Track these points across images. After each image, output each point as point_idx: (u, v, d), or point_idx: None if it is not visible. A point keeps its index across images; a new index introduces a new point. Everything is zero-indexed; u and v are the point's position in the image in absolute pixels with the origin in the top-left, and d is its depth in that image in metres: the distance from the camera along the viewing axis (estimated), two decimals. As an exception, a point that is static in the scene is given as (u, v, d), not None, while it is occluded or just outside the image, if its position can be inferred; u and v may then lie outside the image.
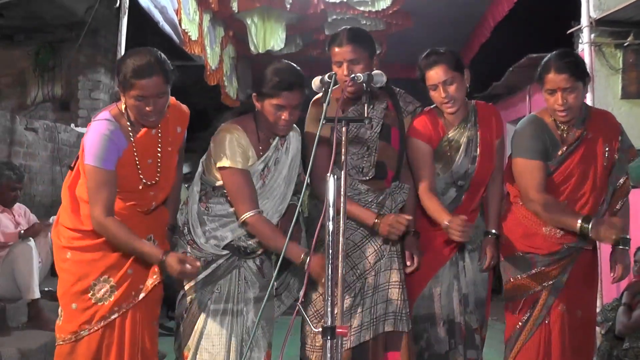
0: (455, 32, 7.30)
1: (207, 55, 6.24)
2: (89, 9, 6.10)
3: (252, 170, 2.94)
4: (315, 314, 3.14)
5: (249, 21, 6.59)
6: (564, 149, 3.08)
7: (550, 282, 3.09)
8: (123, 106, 2.79)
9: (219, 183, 2.97)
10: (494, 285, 3.40)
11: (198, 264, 2.70)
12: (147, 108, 2.71)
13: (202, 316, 2.97)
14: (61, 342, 2.87)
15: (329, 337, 2.21)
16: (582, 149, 3.07)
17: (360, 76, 2.52)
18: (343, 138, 2.42)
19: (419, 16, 6.59)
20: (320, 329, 2.26)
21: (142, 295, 2.89)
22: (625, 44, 5.84)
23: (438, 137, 3.18)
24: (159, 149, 2.87)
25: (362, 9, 6.37)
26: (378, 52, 7.71)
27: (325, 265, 2.28)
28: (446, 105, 3.14)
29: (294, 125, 3.07)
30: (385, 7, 6.28)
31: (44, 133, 6.08)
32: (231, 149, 2.89)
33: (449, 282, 3.21)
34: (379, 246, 3.13)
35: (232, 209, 2.96)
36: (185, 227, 3.04)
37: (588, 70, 4.77)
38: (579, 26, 5.58)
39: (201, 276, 2.95)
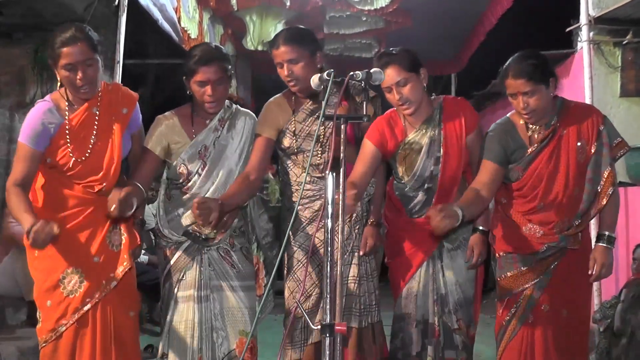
0: (455, 31, 7.30)
1: (206, 54, 6.23)
2: (87, 7, 6.09)
3: (187, 151, 3.10)
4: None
5: (247, 19, 6.59)
6: (532, 148, 3.06)
7: (533, 282, 3.09)
8: (63, 88, 2.96)
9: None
10: (489, 283, 3.40)
11: (54, 228, 2.67)
12: (78, 77, 2.85)
13: (171, 304, 3.13)
14: (43, 344, 2.94)
15: (327, 334, 2.22)
16: (550, 147, 3.05)
17: (359, 74, 2.53)
18: (342, 136, 2.42)
19: (418, 14, 6.58)
20: (319, 326, 2.26)
21: (114, 284, 2.96)
22: (624, 42, 5.84)
23: (395, 141, 3.19)
24: (95, 126, 2.97)
25: (361, 7, 6.36)
26: (376, 50, 7.70)
27: (325, 263, 2.29)
28: (402, 107, 3.12)
29: (248, 111, 3.28)
30: (384, 5, 6.27)
31: (43, 131, 6.06)
32: (149, 133, 3.15)
33: (425, 282, 3.22)
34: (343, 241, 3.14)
35: (186, 196, 3.13)
36: (156, 218, 3.22)
37: (587, 68, 4.79)
38: (577, 24, 5.58)
39: (168, 265, 3.14)
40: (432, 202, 3.20)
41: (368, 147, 3.18)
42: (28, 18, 6.39)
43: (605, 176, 3.05)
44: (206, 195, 3.07)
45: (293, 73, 3.14)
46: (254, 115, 3.30)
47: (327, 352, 2.22)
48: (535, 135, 3.07)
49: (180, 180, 3.16)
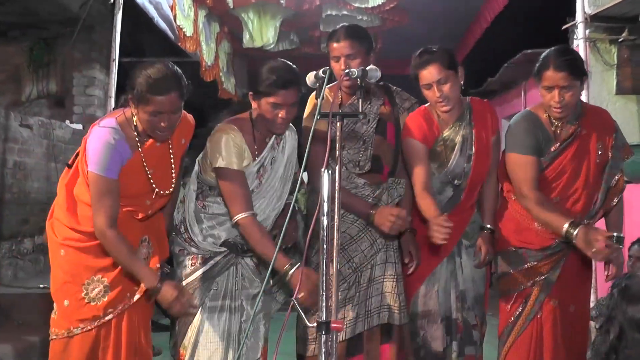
0: (451, 28, 7.30)
1: (202, 52, 6.22)
2: (83, 5, 6.09)
3: (248, 170, 2.95)
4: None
5: (244, 17, 6.58)
6: (557, 145, 3.08)
7: (543, 277, 3.10)
8: (133, 117, 2.76)
9: (215, 182, 2.99)
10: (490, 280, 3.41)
11: (195, 302, 2.75)
12: (162, 124, 2.68)
13: (199, 313, 2.96)
14: (54, 337, 2.86)
15: (323, 332, 2.21)
16: (575, 145, 3.07)
17: (355, 71, 2.54)
18: (338, 133, 2.42)
19: (414, 12, 6.58)
20: (314, 324, 2.26)
21: (137, 297, 2.85)
22: (620, 40, 5.85)
23: (433, 137, 3.18)
24: (171, 159, 2.88)
25: (357, 5, 6.36)
26: (375, 48, 7.70)
27: (320, 268, 2.28)
28: (440, 104, 3.12)
29: (291, 125, 3.10)
30: (381, 3, 6.28)
31: (39, 129, 6.06)
32: (227, 150, 2.90)
33: (446, 279, 3.21)
34: (375, 239, 3.17)
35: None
36: (182, 225, 3.07)
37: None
38: (573, 22, 5.58)
39: (198, 273, 2.98)
40: (461, 199, 3.21)
41: (418, 146, 3.17)
42: (24, 16, 6.39)
43: (617, 179, 3.14)
44: (255, 209, 2.94)
45: (349, 68, 2.95)
46: (293, 127, 3.15)
47: (324, 350, 2.22)
48: (559, 131, 3.09)
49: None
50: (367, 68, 2.56)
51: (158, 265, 2.90)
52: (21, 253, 5.80)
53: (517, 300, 3.15)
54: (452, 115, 3.20)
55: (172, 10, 5.35)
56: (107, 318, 2.82)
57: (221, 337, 2.98)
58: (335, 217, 2.30)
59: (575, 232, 2.86)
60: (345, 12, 6.58)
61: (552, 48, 3.10)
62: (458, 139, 3.18)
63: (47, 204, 6.11)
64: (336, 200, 2.34)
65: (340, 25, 3.25)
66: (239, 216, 2.86)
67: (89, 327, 2.81)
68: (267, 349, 3.14)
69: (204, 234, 3.01)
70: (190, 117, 2.99)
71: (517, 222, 3.17)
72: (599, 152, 3.09)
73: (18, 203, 5.75)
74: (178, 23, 5.44)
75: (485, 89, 8.84)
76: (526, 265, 3.13)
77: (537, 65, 3.06)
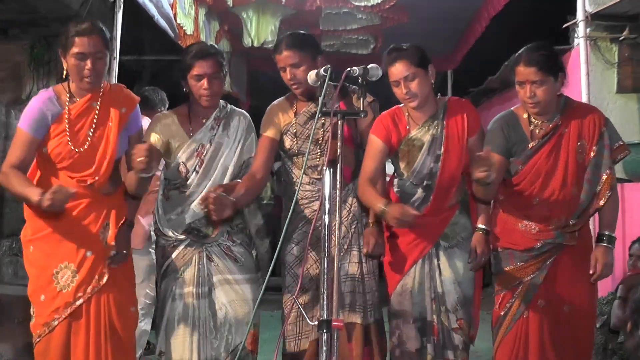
0: (451, 27, 7.30)
1: (202, 50, 6.21)
2: (84, 2, 6.07)
3: (184, 148, 3.19)
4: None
5: (243, 15, 6.57)
6: (533, 143, 3.10)
7: (529, 278, 3.13)
8: (69, 82, 3.07)
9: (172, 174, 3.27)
10: (485, 278, 3.42)
11: (72, 190, 2.78)
12: (86, 67, 2.94)
13: (169, 302, 3.19)
14: (37, 340, 2.97)
15: (324, 330, 2.22)
16: (551, 143, 3.09)
17: (356, 69, 2.53)
18: (339, 132, 2.42)
19: (414, 11, 6.58)
20: (315, 322, 2.26)
21: (105, 278, 2.99)
22: (621, 38, 5.84)
23: (398, 137, 3.23)
24: (94, 120, 3.04)
25: (357, 3, 6.35)
26: (373, 46, 7.69)
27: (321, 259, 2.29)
28: (407, 100, 3.17)
29: (242, 111, 3.39)
30: (380, 2, 6.27)
31: (39, 128, 6.05)
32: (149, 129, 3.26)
33: (421, 280, 3.24)
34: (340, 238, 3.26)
35: (184, 195, 3.20)
36: (155, 217, 3.30)
37: (583, 64, 4.81)
38: (574, 20, 5.58)
39: (166, 264, 3.21)
40: (430, 200, 3.22)
41: (376, 143, 3.24)
42: (24, 14, 6.37)
43: (604, 178, 3.09)
44: (203, 193, 3.13)
45: (296, 77, 3.26)
46: (247, 115, 3.39)
47: (325, 348, 2.22)
48: (537, 131, 3.11)
49: (179, 180, 3.23)
50: (369, 66, 2.56)
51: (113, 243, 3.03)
52: (21, 251, 5.79)
53: (504, 300, 3.18)
54: (423, 114, 3.23)
55: (172, 8, 5.35)
56: (77, 303, 2.95)
57: (187, 323, 3.14)
58: (337, 215, 2.31)
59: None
60: (345, 11, 6.58)
61: (529, 44, 3.14)
62: (427, 138, 3.20)
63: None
64: (337, 198, 2.34)
65: (282, 35, 3.37)
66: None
67: (63, 316, 2.94)
68: (258, 335, 3.26)
69: (170, 224, 3.21)
70: (134, 94, 3.23)
71: (503, 223, 3.21)
72: (579, 151, 3.08)
73: (18, 201, 5.73)
74: (179, 21, 5.44)
75: (486, 87, 8.83)
76: (512, 266, 3.16)
77: (512, 60, 3.13)
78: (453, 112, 3.23)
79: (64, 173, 3.03)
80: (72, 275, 2.97)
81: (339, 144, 2.41)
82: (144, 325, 4.41)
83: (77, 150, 3.00)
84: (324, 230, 2.28)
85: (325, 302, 2.25)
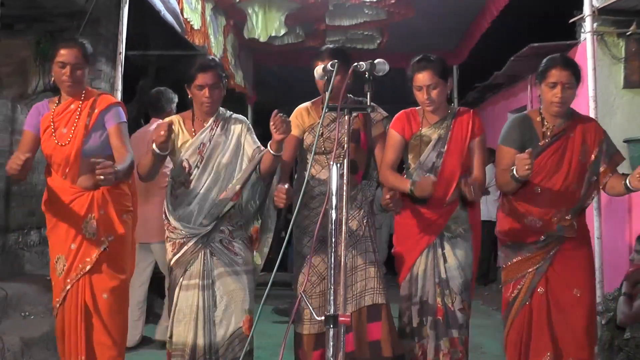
0: (457, 22, 7.28)
1: (210, 44, 6.20)
2: (89, -2, 6.08)
3: (189, 147, 3.61)
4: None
5: (249, 10, 6.56)
6: (544, 142, 3.54)
7: (535, 268, 3.54)
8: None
9: (171, 166, 3.73)
10: (490, 274, 3.60)
11: (26, 155, 3.27)
12: (65, 76, 3.51)
13: (176, 291, 3.59)
14: (55, 316, 3.59)
15: (331, 325, 2.22)
16: (559, 143, 3.52)
17: (363, 64, 2.54)
18: (346, 127, 2.43)
19: (420, 5, 6.55)
20: (322, 317, 2.27)
21: (88, 267, 3.51)
22: (628, 33, 5.83)
23: (411, 132, 3.74)
24: (76, 120, 3.55)
25: (363, -2, 6.33)
26: (379, 41, 7.68)
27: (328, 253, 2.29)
28: (426, 105, 3.66)
29: (240, 116, 3.77)
30: (387, -4, 6.25)
31: (45, 122, 6.07)
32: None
33: (425, 267, 3.69)
34: (352, 232, 3.68)
35: (188, 190, 3.60)
36: (164, 214, 3.65)
37: (590, 59, 4.88)
38: (581, 15, 5.56)
39: (175, 257, 3.59)
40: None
41: (395, 136, 3.74)
42: (30, 9, 6.38)
43: (601, 173, 3.57)
44: (203, 187, 3.58)
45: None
46: (245, 119, 3.78)
47: (332, 343, 2.23)
48: (548, 132, 3.55)
49: (183, 175, 3.61)
50: (376, 61, 2.56)
51: (102, 239, 3.53)
52: (27, 245, 5.83)
53: (514, 288, 3.60)
54: (434, 117, 3.72)
55: (179, 3, 5.34)
56: (67, 287, 3.51)
57: (191, 311, 3.55)
58: (344, 210, 2.31)
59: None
60: (350, 5, 6.56)
61: (557, 55, 3.61)
62: (434, 136, 3.69)
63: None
64: (344, 193, 2.34)
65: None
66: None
67: (59, 299, 3.53)
68: (253, 320, 3.58)
69: (178, 219, 3.57)
70: (112, 97, 3.74)
71: (512, 219, 3.63)
72: (582, 153, 3.52)
73: (24, 195, 5.78)
74: (185, 16, 5.43)
75: (492, 82, 8.82)
76: (520, 257, 3.59)
77: (544, 63, 3.54)
78: (460, 119, 3.71)
79: (54, 170, 3.58)
80: (63, 264, 3.52)
81: (346, 138, 2.41)
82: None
83: (60, 144, 3.52)
84: (331, 225, 2.28)
85: (332, 298, 2.26)
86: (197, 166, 3.59)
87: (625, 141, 5.65)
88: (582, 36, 5.93)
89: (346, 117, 2.43)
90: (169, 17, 5.27)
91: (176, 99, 5.37)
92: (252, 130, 3.75)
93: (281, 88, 10.22)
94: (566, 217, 3.51)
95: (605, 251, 4.82)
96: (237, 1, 6.37)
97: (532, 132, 3.56)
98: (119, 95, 4.79)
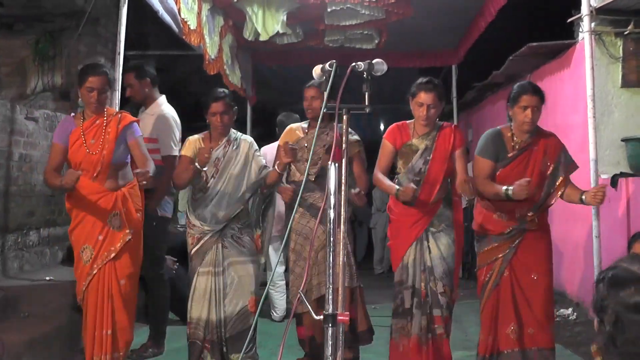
0: (455, 21, 7.27)
1: (206, 45, 6.19)
2: (88, -2, 6.09)
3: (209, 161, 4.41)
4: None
5: (248, 10, 6.56)
6: (511, 154, 4.21)
7: (502, 255, 4.22)
8: (82, 110, 4.38)
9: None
10: (475, 268, 4.51)
11: (78, 173, 4.02)
12: (93, 98, 4.19)
13: (195, 277, 4.46)
14: (80, 301, 4.20)
15: (330, 324, 2.23)
16: (524, 155, 4.20)
17: (361, 64, 2.54)
18: (344, 127, 2.43)
19: (419, 5, 6.55)
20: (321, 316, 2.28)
21: (112, 255, 4.16)
22: (626, 33, 5.85)
23: (402, 142, 4.39)
24: (102, 133, 4.22)
25: (362, -3, 6.33)
26: (377, 41, 7.67)
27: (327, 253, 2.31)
28: (421, 120, 4.29)
29: (248, 136, 4.69)
30: (385, -4, 6.25)
31: (44, 122, 6.08)
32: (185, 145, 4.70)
33: (414, 256, 4.33)
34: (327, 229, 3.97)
35: (205, 195, 4.48)
36: (185, 214, 4.49)
37: (588, 59, 4.90)
38: (579, 15, 5.55)
39: (194, 249, 4.48)
40: (418, 192, 4.27)
41: (388, 146, 4.42)
42: (29, 9, 6.39)
43: (559, 182, 4.22)
44: (218, 193, 4.46)
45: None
46: (251, 139, 4.66)
47: (330, 342, 2.23)
48: (516, 146, 4.23)
49: (201, 183, 4.46)
50: (374, 61, 2.56)
51: (127, 231, 4.19)
52: (27, 245, 5.83)
53: (486, 272, 4.28)
54: (423, 130, 4.36)
55: (176, 3, 5.34)
56: (94, 272, 4.13)
57: (205, 293, 4.42)
58: (342, 210, 2.32)
59: (511, 188, 4.00)
60: (349, 5, 6.55)
61: (526, 81, 4.61)
62: (422, 146, 4.33)
63: (52, 197, 6.15)
64: (342, 192, 2.34)
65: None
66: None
67: (85, 284, 4.13)
68: (259, 300, 4.41)
69: (197, 218, 4.48)
70: (129, 114, 4.38)
71: (484, 214, 4.33)
72: (543, 164, 4.18)
73: (24, 195, 5.78)
74: (182, 16, 5.43)
75: (490, 81, 8.82)
76: (490, 246, 4.27)
77: (515, 90, 4.18)
78: (443, 132, 4.37)
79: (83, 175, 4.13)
80: (90, 253, 4.15)
81: (344, 138, 2.42)
82: None
83: (91, 153, 4.16)
84: (329, 224, 2.29)
85: (331, 297, 2.26)
86: (213, 176, 4.48)
87: (623, 140, 5.66)
88: (580, 35, 5.94)
89: (345, 117, 2.43)
90: (167, 18, 5.28)
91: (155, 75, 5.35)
92: (257, 148, 4.64)
93: (280, 88, 10.22)
94: (528, 214, 4.18)
95: (603, 250, 4.83)
96: (235, 1, 6.37)
97: (503, 145, 4.24)
98: (117, 96, 4.80)
